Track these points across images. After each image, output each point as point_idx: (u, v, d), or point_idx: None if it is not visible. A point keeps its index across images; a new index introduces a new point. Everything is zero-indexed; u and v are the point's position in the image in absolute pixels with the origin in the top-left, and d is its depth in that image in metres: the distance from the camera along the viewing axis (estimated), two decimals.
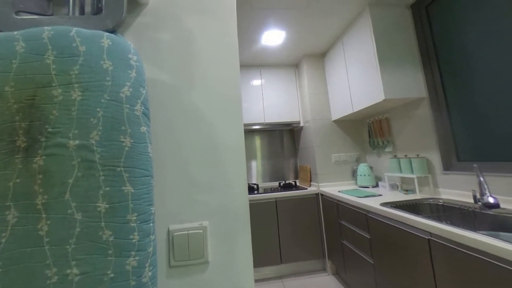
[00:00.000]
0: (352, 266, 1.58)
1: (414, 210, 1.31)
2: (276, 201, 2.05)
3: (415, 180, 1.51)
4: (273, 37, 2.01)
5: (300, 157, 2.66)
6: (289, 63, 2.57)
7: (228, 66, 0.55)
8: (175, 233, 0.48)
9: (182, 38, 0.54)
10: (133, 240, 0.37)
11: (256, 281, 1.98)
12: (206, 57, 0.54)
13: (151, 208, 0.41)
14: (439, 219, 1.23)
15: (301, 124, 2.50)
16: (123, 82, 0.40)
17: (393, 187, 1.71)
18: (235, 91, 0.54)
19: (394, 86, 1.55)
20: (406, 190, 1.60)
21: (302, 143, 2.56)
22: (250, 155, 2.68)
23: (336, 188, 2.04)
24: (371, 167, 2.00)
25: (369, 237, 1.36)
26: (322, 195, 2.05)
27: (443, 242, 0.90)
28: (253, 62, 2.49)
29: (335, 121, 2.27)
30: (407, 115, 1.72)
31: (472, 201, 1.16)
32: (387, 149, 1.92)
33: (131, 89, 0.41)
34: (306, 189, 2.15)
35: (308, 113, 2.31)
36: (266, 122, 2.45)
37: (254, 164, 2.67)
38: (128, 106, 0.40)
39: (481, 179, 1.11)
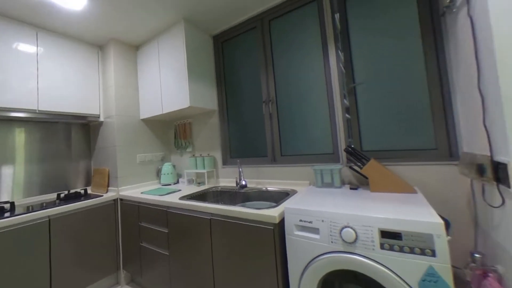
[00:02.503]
0: (149, 266, 1.59)
1: (203, 198, 1.64)
2: (49, 220, 1.48)
3: (205, 174, 1.89)
4: None
5: (95, 159, 2.18)
6: (90, 41, 2.03)
7: None
8: None
9: None
10: None
11: None
12: None
13: None
14: (217, 201, 1.65)
15: (101, 119, 2.07)
16: None
17: (190, 181, 2.01)
18: None
19: (197, 96, 1.83)
20: (199, 183, 1.95)
21: (100, 141, 2.12)
22: None
23: (139, 189, 1.95)
24: (174, 166, 2.17)
25: (167, 231, 1.47)
26: (121, 200, 1.85)
27: (219, 218, 1.21)
28: (26, 17, 1.63)
29: (144, 119, 2.16)
30: (204, 122, 2.12)
31: (235, 185, 1.70)
32: (188, 149, 2.21)
33: None
34: (102, 196, 1.81)
35: (112, 107, 1.98)
36: (40, 110, 1.71)
37: (6, 172, 1.73)
38: None
39: (240, 169, 1.67)
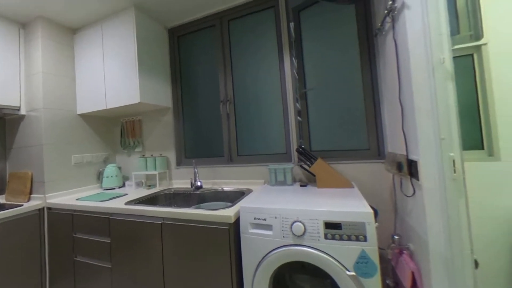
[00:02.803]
0: (86, 282, 1.38)
1: (153, 202, 1.52)
2: None
3: (157, 176, 1.77)
4: None
5: (13, 161, 1.79)
6: (9, 16, 1.64)
7: None
8: None
9: None
10: None
11: None
12: None
13: None
14: (170, 205, 1.56)
15: (22, 112, 1.70)
16: None
17: (139, 184, 1.84)
18: None
19: (149, 92, 1.68)
20: (149, 186, 1.81)
21: (20, 139, 1.74)
22: None
23: (74, 195, 1.68)
24: (119, 168, 1.96)
25: (109, 241, 1.31)
26: (50, 209, 1.56)
27: (171, 222, 1.15)
28: None
29: (82, 115, 1.87)
30: (157, 119, 1.97)
31: (190, 186, 1.64)
32: (137, 149, 2.02)
33: None
34: (21, 205, 1.49)
35: (39, 98, 1.64)
36: None
37: None
38: None
39: (195, 170, 1.61)
